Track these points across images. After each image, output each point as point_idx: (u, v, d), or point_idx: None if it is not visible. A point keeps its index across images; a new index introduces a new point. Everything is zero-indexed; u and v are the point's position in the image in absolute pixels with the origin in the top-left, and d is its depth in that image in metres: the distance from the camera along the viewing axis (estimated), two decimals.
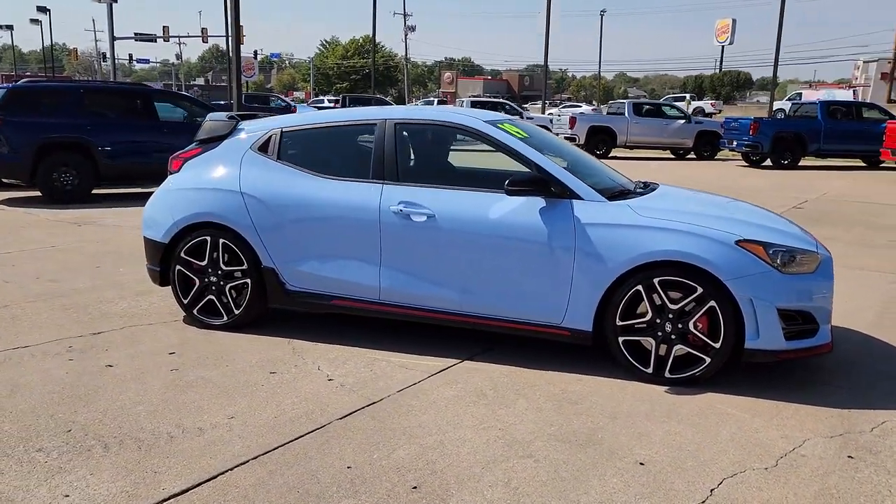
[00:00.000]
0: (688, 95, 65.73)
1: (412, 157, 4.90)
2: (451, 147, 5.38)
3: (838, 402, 3.96)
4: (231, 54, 16.25)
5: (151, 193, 5.33)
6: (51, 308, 5.39)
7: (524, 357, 4.50)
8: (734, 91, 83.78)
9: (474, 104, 27.64)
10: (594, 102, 76.52)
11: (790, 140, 20.48)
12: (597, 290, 4.16)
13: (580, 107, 46.89)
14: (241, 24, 17.69)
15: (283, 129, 4.91)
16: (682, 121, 24.03)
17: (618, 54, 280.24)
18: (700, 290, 3.99)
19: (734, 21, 77.71)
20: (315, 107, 36.04)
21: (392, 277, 4.54)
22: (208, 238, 4.86)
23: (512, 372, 4.28)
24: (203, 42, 55.33)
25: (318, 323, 5.09)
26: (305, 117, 5.01)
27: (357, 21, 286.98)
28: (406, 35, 68.63)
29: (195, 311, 4.99)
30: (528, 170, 4.34)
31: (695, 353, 4.08)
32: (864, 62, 60.03)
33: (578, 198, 4.26)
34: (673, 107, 25.19)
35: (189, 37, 57.76)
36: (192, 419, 3.55)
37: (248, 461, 3.16)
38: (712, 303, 3.99)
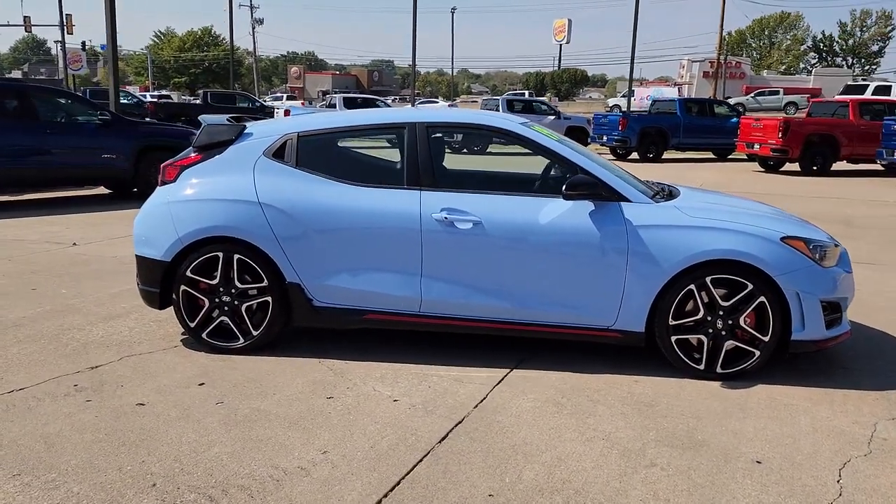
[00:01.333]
0: (526, 92, 68.31)
1: (444, 161, 4.71)
2: (446, 151, 5.24)
3: (873, 384, 4.24)
4: (108, 44, 14.89)
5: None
6: (16, 342, 4.69)
7: (565, 361, 4.47)
8: (573, 87, 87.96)
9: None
10: (438, 98, 77.73)
11: (654, 134, 21.84)
12: (650, 292, 4.20)
13: (437, 101, 47.47)
14: (68, 13, 16.25)
15: (301, 134, 4.55)
16: (552, 117, 24.87)
17: (460, 51, 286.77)
18: (750, 286, 4.14)
19: (570, 21, 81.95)
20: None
21: (434, 288, 4.34)
22: (220, 254, 4.42)
23: (567, 378, 4.24)
24: (26, 31, 50.42)
25: (332, 339, 4.79)
26: (323, 120, 4.67)
27: (193, 12, 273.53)
28: (253, 28, 66.35)
29: (204, 335, 4.53)
30: (579, 174, 4.29)
31: (744, 347, 4.22)
32: (689, 61, 65.09)
33: (626, 200, 4.28)
34: (543, 103, 26.05)
35: (8, 25, 52.46)
36: (284, 458, 3.22)
37: (381, 500, 2.90)
38: (762, 298, 4.14)
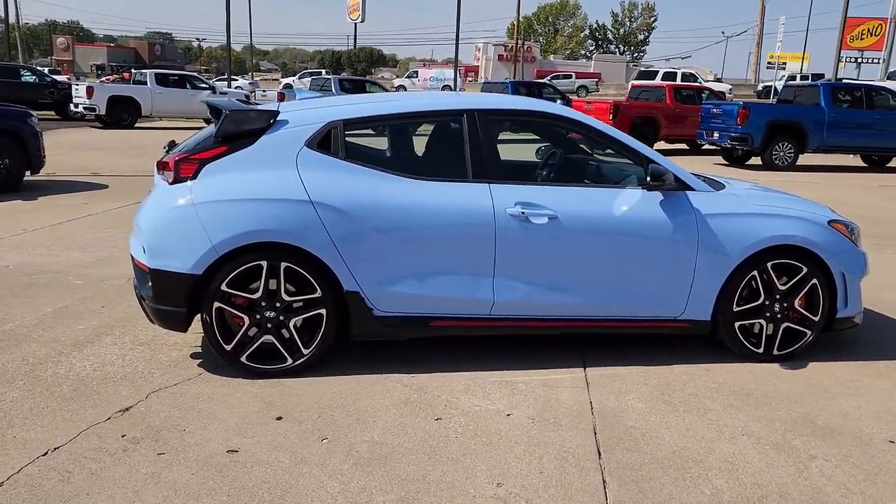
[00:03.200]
0: (323, 71, 67.02)
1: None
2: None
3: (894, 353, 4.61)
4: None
5: None
6: None
7: (623, 356, 4.40)
8: (370, 67, 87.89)
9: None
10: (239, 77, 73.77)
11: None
12: (718, 280, 4.22)
13: (238, 80, 45.05)
14: None
15: (347, 121, 3.98)
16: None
17: (240, 26, 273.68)
18: (804, 269, 4.30)
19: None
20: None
21: (507, 288, 4.04)
22: (264, 263, 3.77)
23: (645, 374, 4.15)
24: None
25: (367, 351, 4.30)
26: (370, 106, 4.12)
27: None
28: None
29: (243, 359, 3.86)
30: (656, 165, 4.17)
31: (796, 327, 4.39)
32: (485, 44, 67.55)
33: (691, 189, 4.25)
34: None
35: None
36: (464, 498, 2.81)
37: None
38: (814, 280, 4.32)
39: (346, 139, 3.97)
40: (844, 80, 31.04)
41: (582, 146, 5.06)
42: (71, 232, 7.37)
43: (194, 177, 3.80)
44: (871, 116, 16.58)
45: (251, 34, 51.39)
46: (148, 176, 5.78)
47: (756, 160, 16.58)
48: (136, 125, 22.13)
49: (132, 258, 4.07)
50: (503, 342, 4.43)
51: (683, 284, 4.20)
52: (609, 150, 4.48)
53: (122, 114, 21.53)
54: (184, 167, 3.83)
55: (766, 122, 16.13)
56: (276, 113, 3.93)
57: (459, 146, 4.11)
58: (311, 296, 3.86)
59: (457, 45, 34.64)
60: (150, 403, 3.54)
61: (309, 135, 3.91)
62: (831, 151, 16.78)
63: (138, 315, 4.61)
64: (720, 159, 17.62)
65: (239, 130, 3.86)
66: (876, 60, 42.02)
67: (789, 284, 4.32)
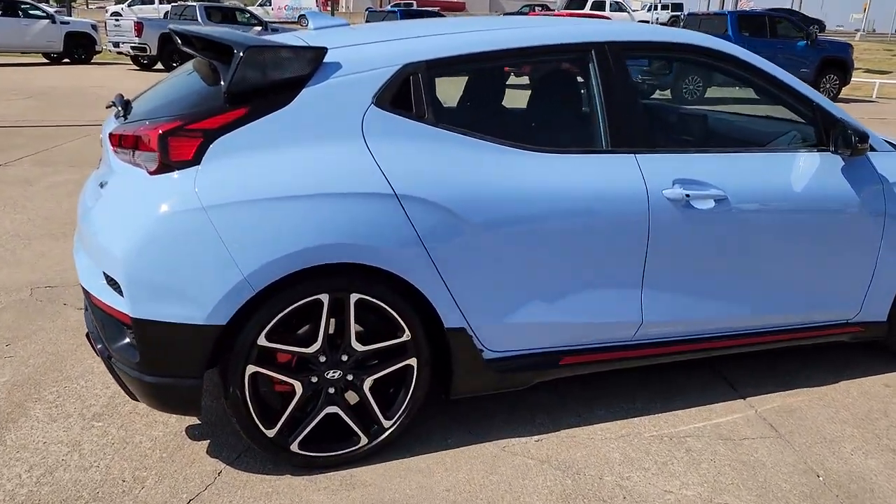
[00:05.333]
0: None
1: (645, 105, 3.05)
2: None
3: None
4: None
5: None
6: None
7: (775, 373, 3.37)
8: None
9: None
10: None
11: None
12: None
13: None
14: None
15: (433, 62, 2.53)
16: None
17: None
18: None
19: None
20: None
21: (659, 303, 2.83)
22: (325, 297, 2.34)
23: (824, 401, 3.13)
24: None
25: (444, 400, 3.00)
26: (458, 39, 2.64)
27: None
28: None
29: (295, 446, 2.45)
30: (845, 120, 3.03)
31: None
32: None
33: (872, 149, 3.16)
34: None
35: None
36: None
37: None
38: None
39: (433, 91, 2.53)
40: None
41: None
42: None
43: (197, 160, 2.26)
44: (774, 46, 16.35)
45: None
46: None
47: None
48: None
49: (85, 292, 2.49)
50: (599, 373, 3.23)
51: (863, 276, 3.17)
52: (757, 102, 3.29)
53: None
54: (177, 144, 2.26)
55: None
56: (324, 51, 2.42)
57: (588, 99, 2.78)
58: (396, 341, 2.48)
59: None
60: None
61: (378, 85, 2.44)
62: None
63: (74, 353, 3.03)
64: None
65: (266, 81, 2.32)
66: None
67: None
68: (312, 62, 2.38)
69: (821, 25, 36.05)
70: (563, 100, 3.01)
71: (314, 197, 2.27)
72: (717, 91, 13.12)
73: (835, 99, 16.68)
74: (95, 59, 20.68)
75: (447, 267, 2.44)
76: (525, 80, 3.33)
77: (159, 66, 19.74)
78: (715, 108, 3.93)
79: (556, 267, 2.62)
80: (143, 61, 19.66)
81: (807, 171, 2.97)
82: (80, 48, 20.17)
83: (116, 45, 19.34)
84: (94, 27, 20.66)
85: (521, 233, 2.52)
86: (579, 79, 2.87)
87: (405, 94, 2.48)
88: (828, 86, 17.13)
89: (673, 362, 3.25)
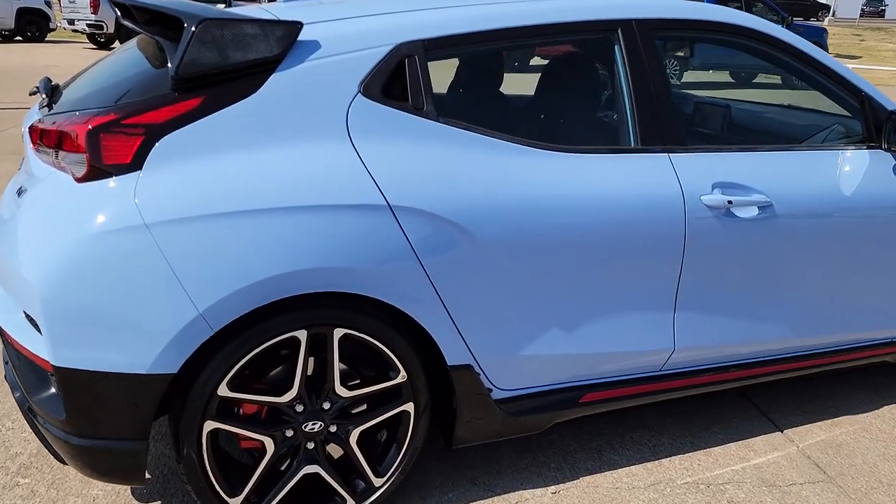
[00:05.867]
0: None
1: (677, 95, 2.62)
2: None
3: None
4: None
5: None
6: None
7: (800, 396, 2.99)
8: None
9: None
10: None
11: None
12: None
13: None
14: None
15: (431, 42, 2.07)
16: None
17: None
18: None
19: None
20: None
21: (693, 326, 2.42)
22: (302, 335, 1.89)
23: (869, 431, 2.75)
24: None
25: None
26: (459, 14, 2.17)
27: None
28: None
29: None
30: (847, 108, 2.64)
31: None
32: None
33: None
34: None
35: None
36: None
37: None
38: None
39: (430, 77, 2.07)
40: None
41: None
42: None
43: (137, 164, 1.78)
44: None
45: None
46: None
47: None
48: None
49: None
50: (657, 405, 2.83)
51: None
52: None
53: None
54: (111, 143, 1.78)
55: None
56: (298, 27, 1.93)
57: (613, 86, 2.35)
58: (390, 383, 2.03)
59: None
60: None
61: (366, 70, 1.98)
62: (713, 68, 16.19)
63: None
64: None
65: (225, 63, 1.84)
66: None
67: None
68: (284, 41, 1.90)
69: (828, 9, 36.37)
70: (584, 88, 2.56)
71: (288, 210, 1.81)
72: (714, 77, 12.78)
73: (806, 88, 16.45)
74: (50, 36, 19.70)
75: (452, 293, 2.00)
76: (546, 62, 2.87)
77: (118, 44, 18.85)
78: (730, 95, 3.52)
79: (579, 288, 2.19)
80: (99, 39, 18.75)
81: (856, 171, 2.58)
82: (32, 25, 19.21)
83: (71, 22, 18.40)
84: (47, 3, 19.66)
85: (539, 249, 2.09)
86: (603, 63, 2.43)
87: (399, 80, 2.01)
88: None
89: None
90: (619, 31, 2.31)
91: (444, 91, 2.43)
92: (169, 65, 1.85)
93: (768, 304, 2.50)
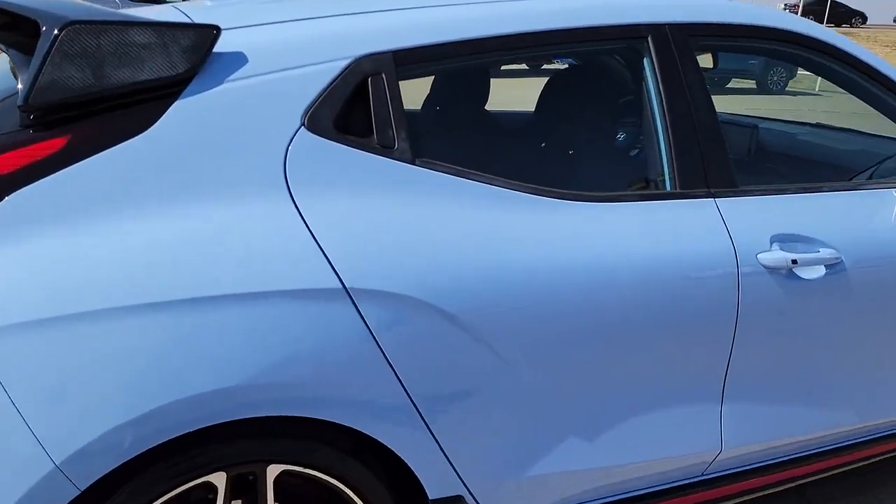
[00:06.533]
0: None
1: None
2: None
3: None
4: None
5: None
6: None
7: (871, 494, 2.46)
8: None
9: None
10: None
11: None
12: None
13: None
14: None
15: (402, 53, 1.49)
16: None
17: None
18: None
19: None
20: None
21: (745, 419, 1.89)
22: (219, 478, 1.29)
23: None
24: None
25: None
26: (435, 12, 1.59)
27: None
28: None
29: None
30: None
31: None
32: None
33: None
34: None
35: None
36: None
37: None
38: None
39: (403, 102, 1.49)
40: None
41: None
42: None
43: None
44: None
45: None
46: None
47: None
48: None
49: None
50: None
51: None
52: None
53: None
54: None
55: None
56: (215, 34, 1.33)
57: (641, 111, 1.80)
58: None
59: None
60: None
61: (313, 94, 1.40)
62: None
63: None
64: None
65: (103, 85, 1.25)
66: None
67: None
68: (192, 54, 1.32)
69: (862, 17, 36.84)
70: (605, 114, 2.01)
71: (192, 305, 1.22)
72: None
73: (781, 92, 16.25)
74: None
75: (436, 405, 1.43)
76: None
77: None
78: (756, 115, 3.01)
79: (605, 382, 1.64)
80: None
81: None
82: None
83: None
84: None
85: (554, 336, 1.53)
86: (628, 79, 1.88)
87: (360, 108, 1.44)
88: (775, 78, 16.71)
89: None
90: (648, 38, 1.75)
91: (420, 120, 1.86)
92: (19, 88, 1.26)
93: (835, 384, 1.97)
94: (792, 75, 17.79)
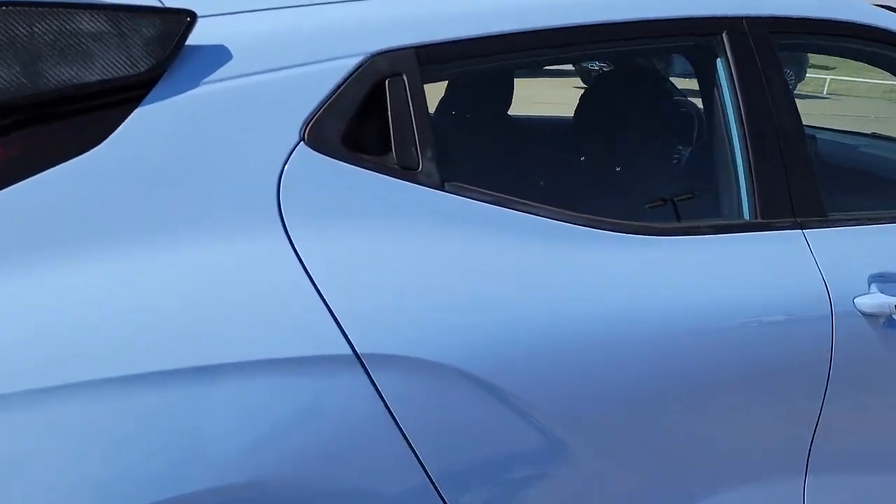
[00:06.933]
0: None
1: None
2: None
3: None
4: None
5: None
6: None
7: None
8: None
9: None
10: None
11: None
12: None
13: None
14: None
15: (425, 50, 1.16)
16: None
17: None
18: None
19: None
20: None
21: (830, 496, 1.57)
22: None
23: None
24: None
25: None
26: (464, 3, 1.27)
27: None
28: None
29: None
30: None
31: None
32: None
33: None
34: None
35: None
36: None
37: None
38: None
39: (428, 111, 1.18)
40: None
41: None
42: None
43: None
44: None
45: None
46: None
47: None
48: None
49: None
50: None
51: None
52: None
53: None
54: None
55: None
56: (189, 21, 1.01)
57: (712, 123, 1.49)
58: None
59: None
60: None
61: (316, 100, 1.07)
62: None
63: None
64: None
65: (41, 87, 0.93)
66: None
67: None
68: (159, 47, 1.00)
69: None
70: (670, 128, 1.69)
71: (164, 377, 0.91)
72: None
73: None
74: None
75: (471, 495, 1.11)
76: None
77: None
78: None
79: (674, 457, 1.33)
80: None
81: None
82: None
83: None
84: None
85: (618, 405, 1.22)
86: (698, 85, 1.56)
87: (375, 119, 1.12)
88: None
89: None
90: (723, 35, 1.44)
91: (446, 132, 1.55)
92: None
93: None
94: (800, 78, 17.52)
